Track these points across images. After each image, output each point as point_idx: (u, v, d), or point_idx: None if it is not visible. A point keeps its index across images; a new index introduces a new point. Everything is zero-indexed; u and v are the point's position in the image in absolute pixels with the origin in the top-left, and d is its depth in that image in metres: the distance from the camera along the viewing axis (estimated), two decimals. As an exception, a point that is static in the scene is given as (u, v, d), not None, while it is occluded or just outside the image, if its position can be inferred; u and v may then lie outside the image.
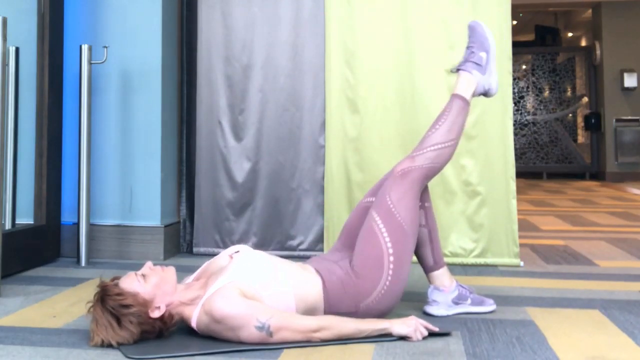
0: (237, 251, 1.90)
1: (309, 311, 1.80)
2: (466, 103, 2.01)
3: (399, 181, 1.93)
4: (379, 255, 1.86)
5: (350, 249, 1.98)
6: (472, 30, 2.09)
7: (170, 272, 1.78)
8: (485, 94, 2.08)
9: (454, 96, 2.02)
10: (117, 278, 1.76)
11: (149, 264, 1.79)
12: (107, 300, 1.67)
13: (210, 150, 3.19)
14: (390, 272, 1.85)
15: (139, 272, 1.75)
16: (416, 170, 1.94)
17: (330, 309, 1.83)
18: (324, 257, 2.02)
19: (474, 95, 2.05)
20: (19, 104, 2.93)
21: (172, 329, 1.75)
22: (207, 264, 1.91)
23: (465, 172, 2.93)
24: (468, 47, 2.08)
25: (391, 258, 1.86)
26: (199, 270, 1.92)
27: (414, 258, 2.26)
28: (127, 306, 1.66)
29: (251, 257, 1.82)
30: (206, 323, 1.69)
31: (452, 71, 2.12)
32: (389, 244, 1.86)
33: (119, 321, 1.66)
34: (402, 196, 1.91)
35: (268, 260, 1.82)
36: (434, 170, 1.98)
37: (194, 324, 1.72)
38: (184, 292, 1.77)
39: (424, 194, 2.05)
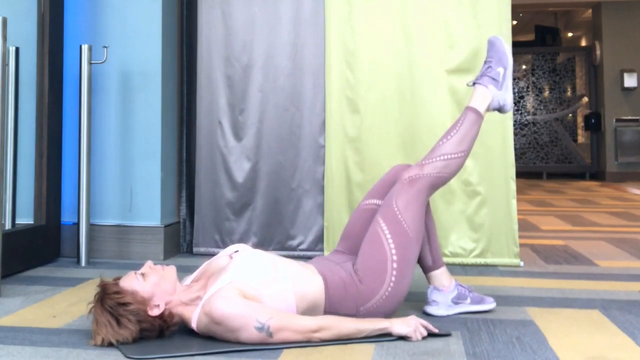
0: (237, 250, 1.90)
1: (310, 309, 1.81)
2: (479, 116, 2.02)
3: (407, 188, 1.94)
4: (382, 261, 1.86)
5: (352, 252, 2.00)
6: (492, 45, 2.09)
7: (171, 271, 1.79)
8: (500, 109, 2.08)
9: (468, 108, 2.02)
10: (119, 278, 1.77)
11: (149, 263, 1.79)
12: (106, 299, 1.68)
13: (210, 150, 3.19)
14: (394, 278, 1.86)
15: (139, 271, 1.76)
16: (424, 178, 1.95)
17: (331, 310, 1.83)
18: (327, 258, 2.03)
19: (488, 109, 2.05)
20: (19, 104, 2.93)
21: (173, 328, 1.75)
22: (207, 264, 1.91)
23: (465, 172, 2.92)
24: (486, 62, 2.08)
25: (395, 265, 1.86)
26: (198, 271, 1.92)
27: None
28: (125, 304, 1.67)
29: (251, 256, 1.83)
30: (206, 324, 1.69)
31: (468, 85, 2.13)
32: (394, 250, 1.87)
33: (117, 320, 1.67)
34: (409, 204, 1.92)
35: (268, 259, 1.82)
36: (441, 180, 1.98)
37: (194, 325, 1.72)
38: (184, 293, 1.77)
39: None
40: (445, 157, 1.96)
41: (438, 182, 1.98)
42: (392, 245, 1.87)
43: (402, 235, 1.89)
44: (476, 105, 2.02)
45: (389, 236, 1.88)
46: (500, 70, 2.05)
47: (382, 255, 1.87)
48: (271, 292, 1.74)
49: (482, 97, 2.04)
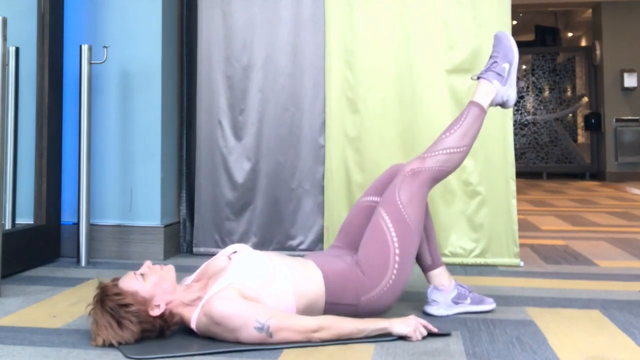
0: (235, 251, 1.90)
1: (310, 306, 1.81)
2: (483, 111, 2.02)
3: (409, 181, 1.95)
4: (385, 253, 1.88)
5: (350, 247, 2.01)
6: (498, 40, 2.10)
7: (169, 270, 1.79)
8: (503, 104, 2.09)
9: (472, 103, 2.03)
10: (117, 279, 1.77)
11: (147, 263, 1.79)
12: (106, 300, 1.68)
13: (210, 150, 3.19)
14: (395, 270, 1.88)
15: (138, 272, 1.75)
16: (426, 171, 1.96)
17: (332, 302, 1.84)
18: (324, 253, 2.04)
19: (491, 104, 2.05)
20: (19, 104, 2.93)
21: (173, 328, 1.75)
22: (206, 265, 1.91)
23: (465, 172, 2.92)
24: (491, 57, 2.09)
25: (397, 258, 1.88)
26: (198, 271, 1.92)
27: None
28: (126, 305, 1.66)
29: (249, 257, 1.83)
30: (206, 324, 1.69)
31: (472, 79, 2.13)
32: (396, 243, 1.89)
33: (118, 321, 1.66)
34: (412, 197, 1.93)
35: (266, 259, 1.82)
36: (442, 174, 1.99)
37: (193, 325, 1.72)
38: (184, 293, 1.77)
39: None
40: (448, 151, 1.97)
41: (439, 176, 1.99)
42: (395, 239, 1.89)
43: (404, 228, 1.90)
44: (480, 100, 2.03)
45: (392, 229, 1.90)
46: (506, 65, 2.06)
47: (385, 248, 1.89)
48: (270, 292, 1.74)
49: (486, 92, 2.04)
